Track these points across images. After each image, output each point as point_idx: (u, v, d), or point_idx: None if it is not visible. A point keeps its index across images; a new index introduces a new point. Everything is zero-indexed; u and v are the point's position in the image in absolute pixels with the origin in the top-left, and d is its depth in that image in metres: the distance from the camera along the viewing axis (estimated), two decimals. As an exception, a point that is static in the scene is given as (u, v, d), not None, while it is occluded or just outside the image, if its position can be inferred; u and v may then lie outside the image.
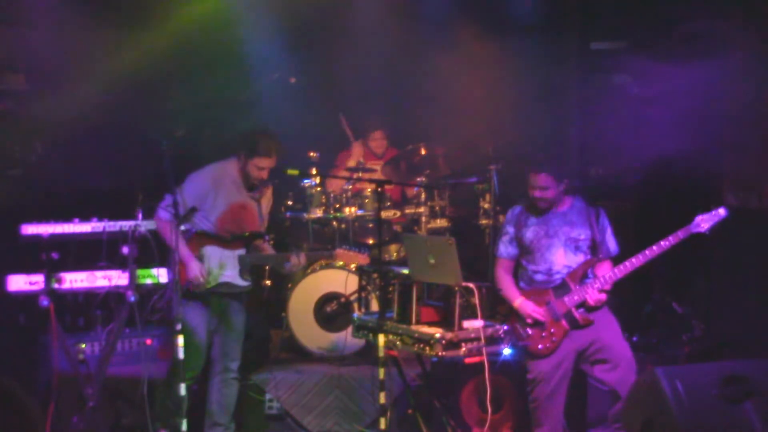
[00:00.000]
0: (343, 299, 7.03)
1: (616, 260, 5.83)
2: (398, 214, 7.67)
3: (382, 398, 5.43)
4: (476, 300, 5.24)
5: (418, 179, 7.85)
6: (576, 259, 5.75)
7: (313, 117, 8.59)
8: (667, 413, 4.96)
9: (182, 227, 5.15)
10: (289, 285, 7.32)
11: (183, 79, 7.72)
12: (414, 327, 5.35)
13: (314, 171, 7.59)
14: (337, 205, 7.48)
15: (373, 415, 6.36)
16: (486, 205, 7.79)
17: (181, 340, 5.22)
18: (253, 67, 8.18)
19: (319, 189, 7.55)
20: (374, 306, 6.70)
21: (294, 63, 8.44)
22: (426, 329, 5.28)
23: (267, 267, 7.64)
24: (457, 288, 5.24)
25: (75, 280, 4.93)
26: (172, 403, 5.68)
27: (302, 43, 8.46)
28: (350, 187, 7.56)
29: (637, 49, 8.27)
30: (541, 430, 5.80)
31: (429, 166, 8.03)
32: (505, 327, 5.41)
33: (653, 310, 7.84)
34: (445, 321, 5.32)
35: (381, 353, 5.40)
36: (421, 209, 7.69)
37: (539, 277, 5.79)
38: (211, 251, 5.96)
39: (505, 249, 5.92)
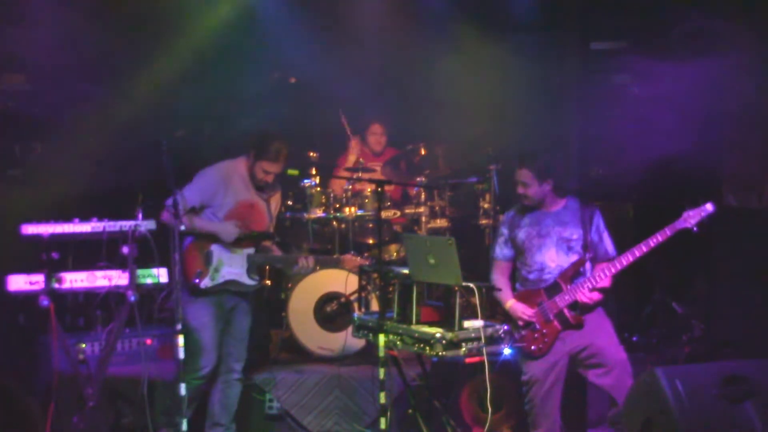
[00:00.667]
0: (343, 299, 7.03)
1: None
2: (398, 214, 7.68)
3: (382, 398, 5.43)
4: (476, 300, 5.24)
5: (418, 179, 7.85)
6: (569, 260, 5.75)
7: (313, 117, 8.60)
8: (667, 413, 4.96)
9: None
10: (289, 285, 7.32)
11: (183, 79, 7.72)
12: (414, 327, 5.35)
13: (314, 171, 7.60)
14: (337, 205, 7.48)
15: (373, 415, 6.36)
16: (486, 205, 7.79)
17: (181, 339, 5.22)
18: (253, 66, 8.19)
19: (319, 189, 7.55)
20: (374, 306, 6.70)
21: (294, 63, 8.45)
22: (426, 329, 5.28)
23: (267, 267, 7.65)
24: (457, 288, 5.24)
25: (75, 280, 4.92)
26: (175, 402, 5.70)
27: (302, 43, 8.46)
28: (350, 187, 7.56)
29: (637, 49, 8.28)
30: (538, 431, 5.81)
31: (429, 166, 8.04)
32: (505, 327, 5.41)
33: (653, 310, 7.84)
34: (445, 321, 5.32)
35: (381, 353, 5.40)
36: (421, 209, 7.69)
37: (532, 276, 5.80)
38: (219, 249, 5.97)
39: (501, 251, 5.94)
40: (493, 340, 5.32)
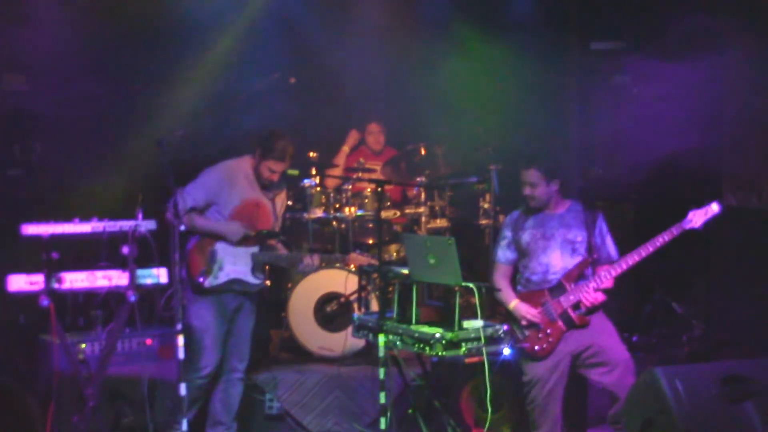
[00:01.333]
0: (343, 299, 7.02)
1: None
2: (398, 214, 7.67)
3: (382, 398, 5.43)
4: (476, 300, 5.24)
5: (418, 179, 7.85)
6: (573, 261, 5.75)
7: (313, 117, 8.60)
8: (667, 413, 4.96)
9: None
10: (289, 285, 7.32)
11: (184, 78, 7.72)
12: (414, 327, 5.35)
13: (314, 171, 7.60)
14: (337, 205, 7.48)
15: (373, 415, 6.35)
16: (486, 205, 7.79)
17: (181, 339, 5.22)
18: (253, 66, 8.18)
19: (319, 189, 7.55)
20: (374, 306, 6.70)
21: (294, 62, 8.45)
22: (426, 329, 5.28)
23: (267, 267, 7.65)
24: (457, 288, 5.24)
25: (75, 280, 4.91)
26: (177, 402, 5.71)
27: (302, 43, 8.46)
28: (350, 186, 7.56)
29: (637, 49, 8.28)
30: (539, 432, 5.82)
31: (429, 166, 8.03)
32: (505, 327, 5.41)
33: (653, 310, 7.84)
34: (445, 321, 5.32)
35: (381, 353, 5.41)
36: (421, 209, 7.69)
37: (536, 278, 5.80)
38: (224, 248, 5.97)
39: (503, 254, 5.93)
40: (493, 340, 5.32)
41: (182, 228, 5.22)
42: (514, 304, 5.79)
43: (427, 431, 5.84)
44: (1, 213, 6.40)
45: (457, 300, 5.25)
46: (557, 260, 5.75)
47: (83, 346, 6.07)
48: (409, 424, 6.05)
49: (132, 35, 7.44)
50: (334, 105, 8.68)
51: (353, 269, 6.97)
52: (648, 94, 8.14)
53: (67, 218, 4.96)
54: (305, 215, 7.50)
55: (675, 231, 5.60)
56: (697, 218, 5.58)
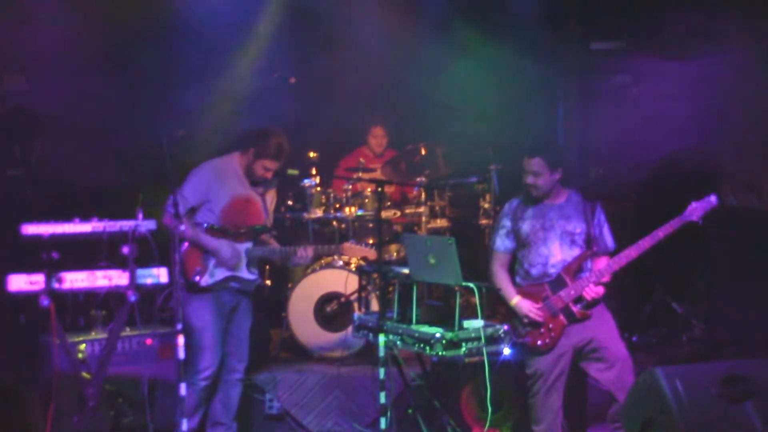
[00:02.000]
0: (343, 299, 7.03)
1: (611, 255, 5.85)
2: (398, 214, 7.67)
3: (382, 398, 5.43)
4: (476, 300, 5.24)
5: (418, 179, 7.85)
6: (572, 253, 5.76)
7: (313, 117, 8.60)
8: (667, 413, 4.96)
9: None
10: (289, 285, 7.32)
11: (184, 78, 7.72)
12: (414, 327, 5.35)
13: (314, 171, 7.60)
14: (337, 205, 7.48)
15: (373, 415, 6.36)
16: (486, 205, 7.79)
17: (181, 339, 5.22)
18: (253, 66, 8.18)
19: (319, 189, 7.55)
20: (374, 306, 6.70)
21: (294, 62, 8.45)
22: (426, 329, 5.28)
23: (267, 267, 7.65)
24: (457, 288, 5.24)
25: (75, 280, 4.91)
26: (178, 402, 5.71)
27: (302, 43, 8.46)
28: (350, 186, 7.56)
29: (636, 48, 8.28)
30: (540, 428, 5.82)
31: (429, 166, 8.04)
32: (505, 327, 5.42)
33: (653, 310, 7.85)
34: (445, 321, 5.32)
35: (381, 353, 5.41)
36: (421, 209, 7.69)
37: (535, 271, 5.80)
38: (223, 243, 5.97)
39: (502, 243, 5.93)
40: (493, 340, 5.32)
41: (182, 228, 5.21)
42: (515, 301, 5.79)
43: (427, 431, 5.84)
44: (1, 213, 6.40)
45: (458, 300, 5.25)
46: (557, 252, 5.76)
47: (83, 346, 6.07)
48: (409, 424, 6.05)
49: (132, 35, 7.44)
50: (335, 105, 8.67)
51: (353, 269, 6.99)
52: (648, 94, 8.14)
53: (67, 218, 4.96)
54: (305, 215, 7.50)
55: (675, 224, 5.61)
56: (696, 211, 5.60)
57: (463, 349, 5.21)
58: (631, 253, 5.64)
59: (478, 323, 5.28)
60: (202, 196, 5.96)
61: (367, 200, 7.53)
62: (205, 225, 5.96)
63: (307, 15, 8.27)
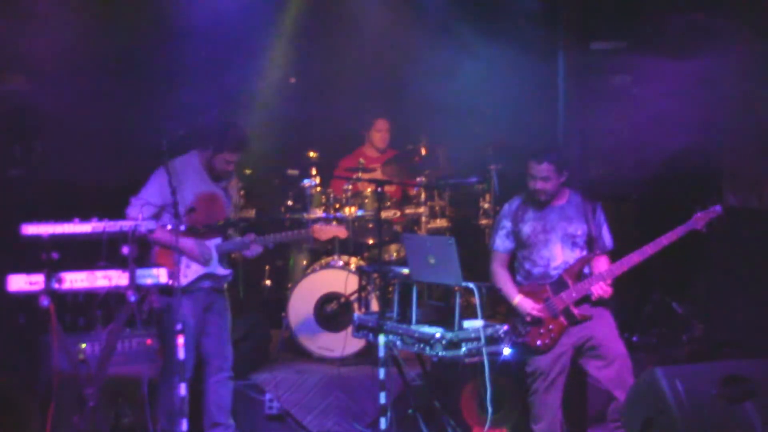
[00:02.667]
0: (343, 299, 7.03)
1: (614, 255, 5.86)
2: (398, 214, 7.67)
3: (382, 398, 5.43)
4: (476, 300, 5.24)
5: (418, 179, 7.85)
6: (573, 255, 5.77)
7: (313, 117, 8.59)
8: (667, 413, 4.96)
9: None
10: (289, 285, 7.32)
11: (184, 78, 7.72)
12: (414, 327, 5.35)
13: (314, 171, 7.59)
14: (337, 205, 7.48)
15: (373, 415, 6.36)
16: (486, 205, 7.79)
17: (181, 339, 5.22)
18: (253, 66, 8.18)
19: (319, 189, 7.55)
20: (374, 306, 6.70)
21: (294, 62, 8.45)
22: (426, 329, 5.28)
23: (267, 267, 7.66)
24: (457, 288, 5.24)
25: (75, 280, 4.91)
26: (167, 404, 5.72)
27: (302, 43, 8.46)
28: (350, 187, 7.56)
29: (636, 48, 8.27)
30: (539, 426, 5.83)
31: (429, 166, 8.03)
32: (505, 327, 5.42)
33: (653, 310, 7.84)
34: (445, 321, 5.32)
35: (381, 353, 5.41)
36: (421, 209, 7.69)
37: (537, 271, 5.82)
38: (188, 242, 5.92)
39: (502, 243, 5.94)
40: (493, 340, 5.32)
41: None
42: (517, 299, 5.80)
43: (427, 431, 5.84)
44: (1, 213, 6.40)
45: (457, 300, 5.25)
46: (558, 254, 5.78)
47: (83, 346, 6.07)
48: (409, 424, 6.05)
49: (132, 35, 7.44)
50: (335, 105, 8.67)
51: (353, 269, 6.99)
52: (648, 94, 8.13)
53: (67, 218, 4.96)
54: (305, 215, 7.49)
55: (680, 232, 5.65)
56: (701, 220, 5.64)
57: (463, 349, 5.21)
58: (634, 258, 5.67)
59: (478, 323, 5.28)
60: (164, 200, 5.84)
61: (367, 200, 7.53)
62: (171, 226, 5.86)
63: (307, 15, 8.27)
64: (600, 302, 5.78)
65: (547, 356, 5.75)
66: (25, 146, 7.39)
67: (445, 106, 8.47)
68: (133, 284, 4.98)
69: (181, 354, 5.24)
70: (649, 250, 5.64)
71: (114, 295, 5.03)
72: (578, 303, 5.73)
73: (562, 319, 5.73)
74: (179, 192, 5.84)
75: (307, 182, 7.51)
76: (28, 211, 5.45)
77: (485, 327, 5.30)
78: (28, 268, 4.88)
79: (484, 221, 7.81)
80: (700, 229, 5.66)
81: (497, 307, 6.28)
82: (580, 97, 8.64)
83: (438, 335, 5.15)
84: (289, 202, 7.66)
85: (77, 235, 4.94)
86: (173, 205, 5.39)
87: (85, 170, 7.00)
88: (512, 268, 5.99)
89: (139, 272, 5.01)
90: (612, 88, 8.60)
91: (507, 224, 5.92)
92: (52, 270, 4.86)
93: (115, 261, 5.01)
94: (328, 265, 7.19)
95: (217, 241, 6.04)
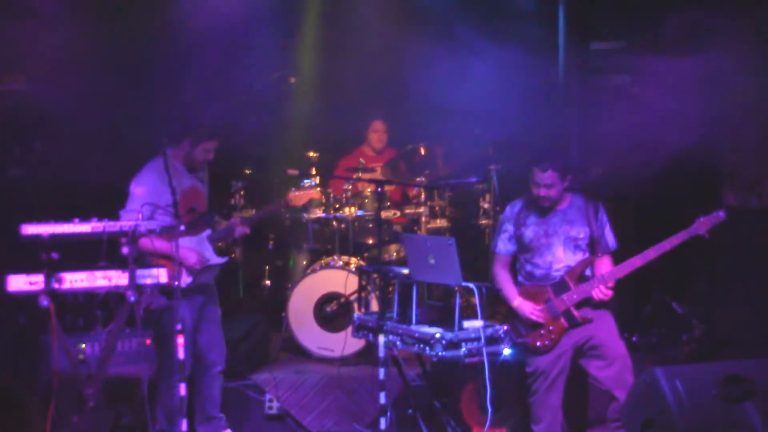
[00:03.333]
0: (343, 299, 7.03)
1: (614, 255, 5.86)
2: (398, 214, 7.67)
3: (382, 398, 5.44)
4: (476, 300, 5.24)
5: (418, 179, 7.85)
6: (575, 258, 5.78)
7: (313, 117, 8.59)
8: (667, 413, 4.96)
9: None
10: (289, 285, 7.32)
11: (184, 78, 7.72)
12: (414, 327, 5.35)
13: (314, 171, 7.59)
14: (337, 205, 7.48)
15: (373, 415, 6.36)
16: (486, 205, 7.79)
17: (181, 339, 5.22)
18: (253, 66, 8.18)
19: (318, 189, 7.54)
20: (374, 306, 6.70)
21: (294, 62, 8.45)
22: (426, 329, 5.28)
23: (267, 267, 7.65)
24: (457, 288, 5.24)
25: (75, 280, 4.91)
26: (166, 404, 5.72)
27: (302, 43, 8.46)
28: (350, 187, 7.56)
29: (636, 48, 8.27)
30: (539, 426, 5.83)
31: (429, 166, 8.03)
32: (505, 327, 5.42)
33: (653, 310, 7.84)
34: (445, 321, 5.32)
35: (381, 353, 5.41)
36: (421, 209, 7.69)
37: (539, 273, 5.83)
38: (186, 243, 5.91)
39: (504, 246, 5.94)
40: (493, 340, 5.32)
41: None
42: (518, 302, 5.80)
43: (426, 431, 5.84)
44: (1, 213, 6.40)
45: (457, 300, 5.25)
46: (560, 257, 5.78)
47: (83, 346, 6.07)
48: (409, 425, 6.05)
49: (132, 34, 7.43)
50: (335, 105, 8.67)
51: (353, 269, 6.99)
52: (648, 94, 8.13)
53: (67, 218, 4.96)
54: (305, 215, 7.49)
55: (682, 236, 5.65)
56: (704, 225, 5.64)
57: (463, 349, 5.21)
58: (636, 261, 5.67)
59: (478, 323, 5.28)
60: (155, 198, 5.73)
61: (367, 200, 7.53)
62: (158, 229, 5.80)
63: (307, 15, 8.27)
64: (601, 303, 5.78)
65: (547, 356, 5.75)
66: (24, 146, 7.38)
67: (445, 106, 8.48)
68: (133, 284, 4.99)
69: (181, 354, 5.24)
70: (651, 254, 5.65)
71: (114, 295, 5.03)
72: (579, 305, 5.73)
73: (562, 320, 5.73)
74: (167, 191, 5.82)
75: (307, 182, 7.50)
76: (27, 211, 5.45)
77: (485, 327, 5.30)
78: (28, 268, 4.88)
79: (484, 221, 7.81)
80: (703, 234, 5.65)
81: (497, 308, 6.28)
82: (579, 97, 8.64)
83: (438, 335, 5.15)
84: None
85: (77, 235, 4.94)
86: (173, 205, 5.39)
87: (85, 170, 7.00)
88: (514, 268, 5.99)
89: (139, 272, 5.02)
90: (612, 88, 8.60)
91: (509, 228, 5.92)
92: (52, 270, 4.86)
93: (115, 261, 5.01)
94: (327, 265, 7.19)
95: (208, 232, 6.05)
